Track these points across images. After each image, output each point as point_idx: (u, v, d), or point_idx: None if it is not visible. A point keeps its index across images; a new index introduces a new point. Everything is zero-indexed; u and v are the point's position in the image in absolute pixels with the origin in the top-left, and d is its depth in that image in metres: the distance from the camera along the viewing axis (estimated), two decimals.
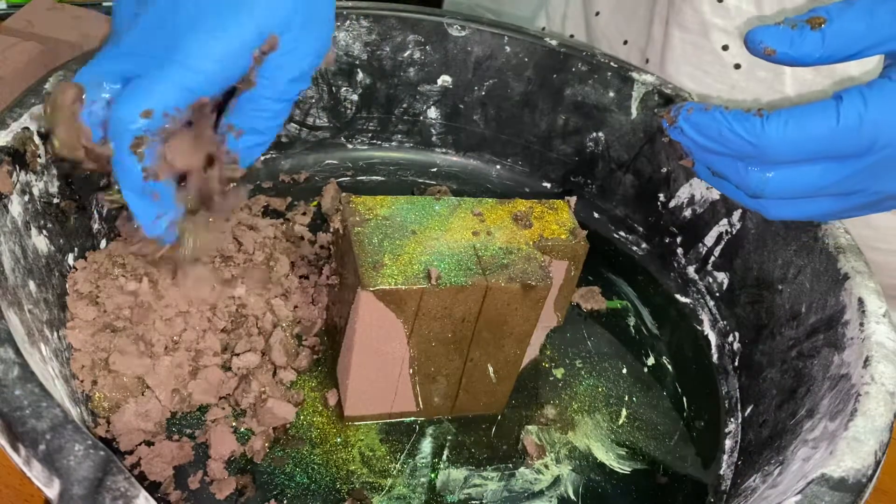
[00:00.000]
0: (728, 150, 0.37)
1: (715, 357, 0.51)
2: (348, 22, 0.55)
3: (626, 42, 0.64)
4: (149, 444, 0.39)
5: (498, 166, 0.61)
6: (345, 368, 0.42)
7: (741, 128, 0.36)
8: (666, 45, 0.59)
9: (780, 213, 0.39)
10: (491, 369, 0.42)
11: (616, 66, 0.55)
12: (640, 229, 0.58)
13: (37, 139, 0.41)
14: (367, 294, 0.37)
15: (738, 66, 0.56)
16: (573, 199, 0.45)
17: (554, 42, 0.56)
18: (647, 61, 0.62)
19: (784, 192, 0.38)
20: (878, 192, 0.37)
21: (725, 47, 0.56)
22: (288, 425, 0.42)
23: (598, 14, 0.66)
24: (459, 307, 0.39)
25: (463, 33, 0.56)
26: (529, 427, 0.45)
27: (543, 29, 0.73)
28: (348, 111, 0.58)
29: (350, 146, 0.60)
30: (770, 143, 0.35)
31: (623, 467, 0.44)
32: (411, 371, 0.41)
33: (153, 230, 0.37)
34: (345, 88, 0.57)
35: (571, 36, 0.71)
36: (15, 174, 0.39)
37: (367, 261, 0.38)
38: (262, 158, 0.57)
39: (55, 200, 0.42)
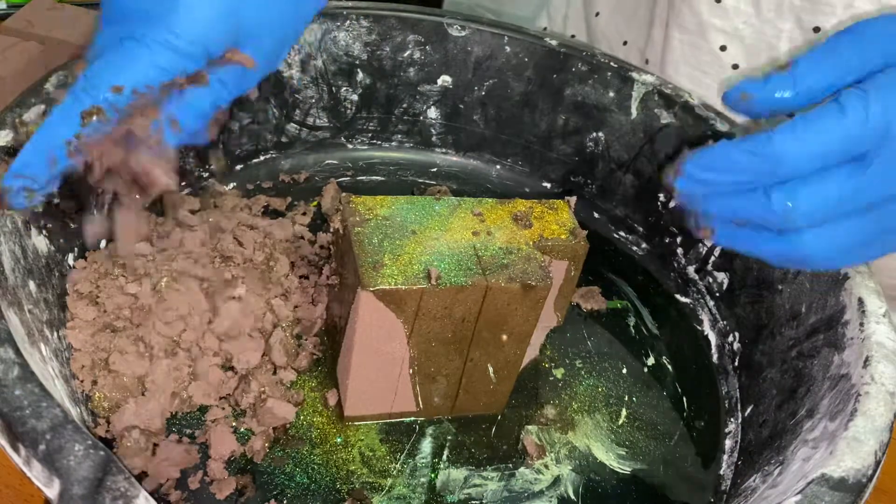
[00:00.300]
0: (742, 176, 0.35)
1: (715, 357, 0.51)
2: (348, 22, 0.55)
3: (625, 43, 0.64)
4: (154, 446, 0.39)
5: (498, 166, 0.61)
6: (345, 368, 0.42)
7: (749, 145, 0.35)
8: (666, 46, 0.59)
9: (818, 249, 0.36)
10: (491, 369, 0.42)
11: (616, 66, 0.55)
12: (640, 229, 0.58)
13: None
14: (367, 294, 0.37)
15: (735, 67, 0.56)
16: (573, 199, 0.45)
17: (554, 42, 0.56)
18: (647, 62, 0.62)
19: (814, 212, 0.35)
20: None
21: (723, 48, 0.56)
22: (288, 425, 0.42)
23: (598, 15, 0.67)
24: (459, 307, 0.39)
25: (463, 33, 0.56)
26: (529, 427, 0.45)
27: (545, 29, 0.73)
28: (348, 111, 0.58)
29: (350, 146, 0.60)
30: (783, 152, 0.34)
31: (623, 467, 0.44)
32: (411, 371, 0.41)
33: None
34: (345, 88, 0.57)
35: (572, 36, 0.71)
36: None
37: (366, 261, 0.38)
38: (263, 159, 0.57)
39: (55, 200, 0.42)
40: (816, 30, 0.52)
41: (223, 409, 0.41)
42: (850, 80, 0.35)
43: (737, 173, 0.35)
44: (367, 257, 0.38)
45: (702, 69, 0.57)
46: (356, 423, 0.43)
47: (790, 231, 0.36)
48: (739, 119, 0.52)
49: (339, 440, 0.42)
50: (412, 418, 0.44)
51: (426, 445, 0.43)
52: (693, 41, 0.57)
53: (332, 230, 0.51)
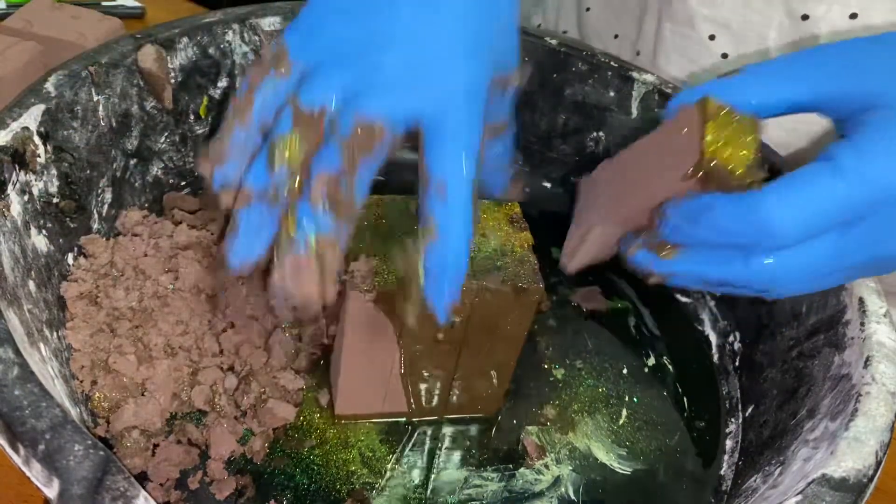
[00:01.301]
0: (727, 237, 0.33)
1: (715, 357, 0.51)
2: None
3: (616, 36, 0.64)
4: (154, 447, 0.39)
5: None
6: (336, 368, 0.42)
7: (737, 208, 0.32)
8: (658, 38, 0.59)
9: (789, 294, 0.35)
10: (483, 372, 0.42)
11: (616, 65, 0.55)
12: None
13: (36, 139, 0.41)
14: (357, 294, 0.37)
15: (725, 56, 0.56)
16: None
17: (554, 42, 0.56)
18: (638, 54, 0.62)
19: (794, 279, 0.33)
20: (892, 254, 0.34)
21: (712, 37, 0.56)
22: (288, 426, 0.42)
23: (588, 10, 0.67)
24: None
25: None
26: (529, 427, 0.44)
27: (539, 26, 0.73)
28: None
29: None
30: (771, 220, 0.31)
31: (623, 468, 0.44)
32: (402, 371, 0.41)
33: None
34: None
35: (565, 32, 0.71)
36: (14, 174, 0.39)
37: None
38: None
39: (55, 200, 0.42)
40: (805, 17, 0.52)
41: (223, 409, 0.41)
42: (808, 98, 0.34)
43: (719, 233, 0.33)
44: (357, 255, 0.38)
45: (691, 59, 0.57)
46: (356, 424, 0.43)
47: (768, 292, 0.35)
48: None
49: (339, 440, 0.42)
50: (407, 419, 0.44)
51: (426, 446, 0.43)
52: (683, 31, 0.57)
53: None
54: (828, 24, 0.51)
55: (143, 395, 0.40)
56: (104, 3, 0.76)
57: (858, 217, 0.32)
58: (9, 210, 0.38)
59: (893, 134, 0.32)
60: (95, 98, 0.45)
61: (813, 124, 0.54)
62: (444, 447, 0.43)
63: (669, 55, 0.58)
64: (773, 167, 0.49)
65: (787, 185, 0.32)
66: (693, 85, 0.37)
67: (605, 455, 0.44)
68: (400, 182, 0.59)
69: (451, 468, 0.42)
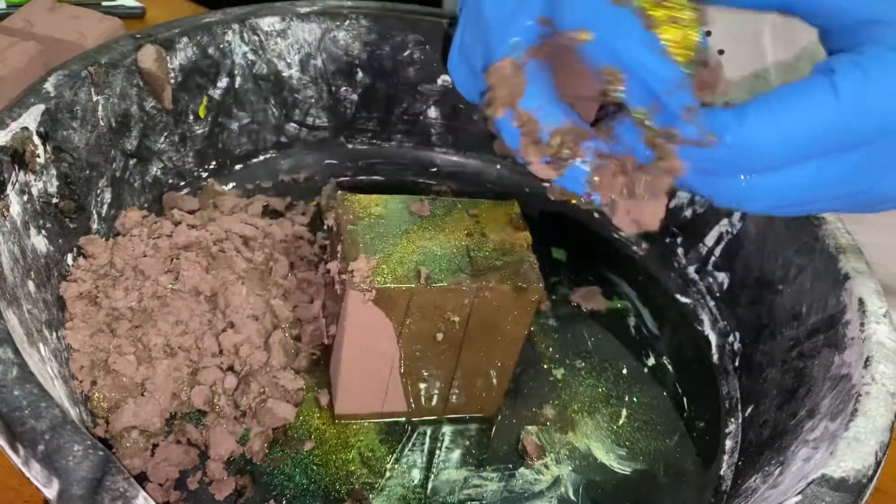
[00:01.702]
0: (697, 162, 0.29)
1: (715, 357, 0.51)
2: (348, 21, 0.55)
3: None
4: (154, 447, 0.39)
5: (498, 166, 0.61)
6: (335, 367, 0.42)
7: (710, 126, 0.28)
8: None
9: (765, 212, 0.32)
10: (483, 372, 0.42)
11: None
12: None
13: (36, 139, 0.41)
14: (356, 293, 0.37)
15: (721, 52, 0.56)
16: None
17: None
18: None
19: (771, 202, 0.30)
20: (884, 193, 0.30)
21: (708, 33, 0.56)
22: (287, 426, 0.42)
23: None
24: (450, 308, 0.39)
25: None
26: (529, 427, 0.44)
27: None
28: (348, 111, 0.58)
29: (350, 146, 0.60)
30: (753, 142, 0.27)
31: (623, 468, 0.44)
32: (402, 371, 0.41)
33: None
34: (344, 88, 0.57)
35: None
36: (14, 174, 0.39)
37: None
38: (262, 158, 0.57)
39: (54, 200, 0.42)
40: None
41: (222, 409, 0.41)
42: None
43: (689, 152, 0.29)
44: (357, 255, 0.38)
45: None
46: (356, 424, 0.43)
47: (736, 209, 0.32)
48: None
49: (338, 441, 0.42)
50: (408, 418, 0.44)
51: (426, 446, 0.43)
52: None
53: (325, 227, 0.51)
54: None
55: (142, 395, 0.40)
56: (104, 3, 0.76)
57: (850, 146, 0.28)
58: (8, 210, 0.38)
59: None
60: (95, 98, 0.45)
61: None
62: (443, 447, 0.43)
63: None
64: None
65: (772, 98, 0.28)
66: None
67: (605, 455, 0.44)
68: (400, 182, 0.59)
69: (450, 468, 0.42)
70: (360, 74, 0.57)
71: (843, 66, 0.28)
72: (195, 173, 0.54)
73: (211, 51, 0.51)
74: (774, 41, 0.54)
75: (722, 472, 0.45)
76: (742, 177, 0.29)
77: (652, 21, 0.29)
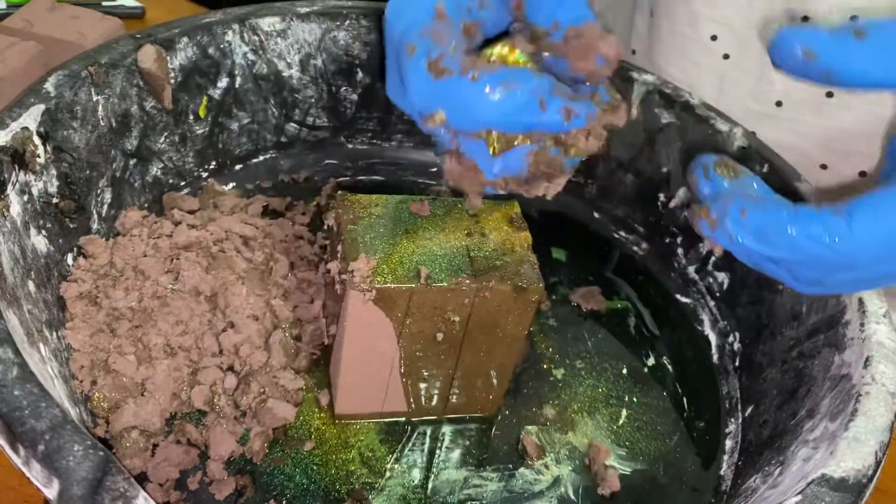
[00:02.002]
0: (800, 256, 0.30)
1: (715, 357, 0.51)
2: (348, 21, 0.55)
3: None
4: (154, 447, 0.39)
5: None
6: (335, 367, 0.42)
7: (822, 233, 0.29)
8: (654, 36, 0.59)
9: (825, 293, 0.34)
10: (483, 372, 0.42)
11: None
12: (641, 229, 0.57)
13: (36, 139, 0.41)
14: (356, 293, 0.37)
15: (727, 57, 0.56)
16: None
17: None
18: (634, 52, 0.62)
19: (848, 282, 0.32)
20: None
21: (714, 37, 0.56)
22: (287, 426, 0.42)
23: None
24: (450, 308, 0.39)
25: None
26: (529, 427, 0.44)
27: None
28: (348, 111, 0.58)
29: (350, 146, 0.60)
30: (860, 248, 0.28)
31: (623, 468, 0.44)
32: (402, 371, 0.41)
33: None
34: (344, 88, 0.57)
35: None
36: (14, 174, 0.39)
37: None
38: (262, 158, 0.57)
39: (54, 200, 0.42)
40: (805, 19, 0.51)
41: (222, 409, 0.41)
42: None
43: (794, 253, 0.30)
44: (357, 255, 0.38)
45: (692, 59, 0.57)
46: (356, 424, 0.43)
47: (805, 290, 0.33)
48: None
49: (338, 441, 0.42)
50: (408, 418, 0.44)
51: (426, 446, 0.43)
52: (683, 31, 0.57)
53: (325, 227, 0.51)
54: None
55: (142, 395, 0.40)
56: (104, 3, 0.76)
57: None
58: (8, 210, 0.38)
59: None
60: (95, 98, 0.45)
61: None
62: (443, 447, 0.43)
63: (669, 55, 0.58)
64: (765, 161, 0.49)
65: (876, 207, 0.29)
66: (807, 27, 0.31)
67: (609, 456, 0.44)
68: (400, 182, 0.59)
69: (450, 468, 0.42)
70: (360, 74, 0.57)
71: None
72: (195, 173, 0.54)
73: (211, 51, 0.51)
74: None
75: (722, 472, 0.45)
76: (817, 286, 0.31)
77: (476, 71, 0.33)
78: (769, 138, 0.55)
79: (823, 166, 0.56)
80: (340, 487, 0.40)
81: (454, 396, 0.43)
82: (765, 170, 0.49)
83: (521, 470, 0.42)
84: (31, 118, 0.41)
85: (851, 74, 0.29)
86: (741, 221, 0.31)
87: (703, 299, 0.54)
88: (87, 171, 0.45)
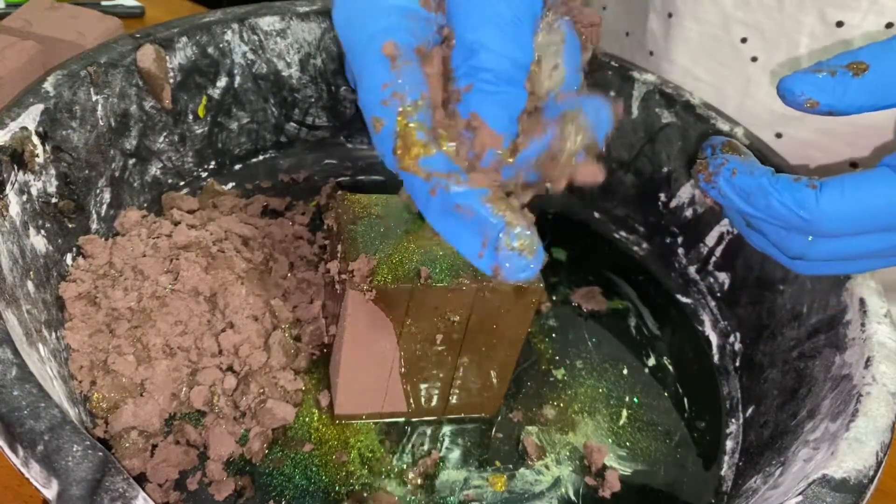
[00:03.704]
0: (774, 219, 0.35)
1: (716, 357, 0.51)
2: None
3: (627, 34, 0.64)
4: (153, 447, 0.39)
5: None
6: (335, 367, 0.42)
7: (792, 200, 0.34)
8: (676, 38, 0.59)
9: (812, 272, 0.37)
10: (483, 372, 0.42)
11: (616, 65, 0.55)
12: (641, 229, 0.57)
13: (35, 139, 0.41)
14: (356, 293, 0.37)
15: (755, 59, 0.56)
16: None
17: None
18: (651, 54, 0.62)
19: (828, 256, 0.36)
20: None
21: (744, 40, 0.55)
22: (287, 426, 0.42)
23: (604, 8, 0.66)
24: (450, 308, 0.38)
25: None
26: (529, 428, 0.44)
27: None
28: (348, 111, 0.58)
29: (350, 145, 0.60)
30: (824, 218, 0.33)
31: (623, 468, 0.44)
32: (402, 371, 0.41)
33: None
34: (344, 88, 0.57)
35: None
36: (13, 174, 0.39)
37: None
38: (262, 158, 0.57)
39: (53, 200, 0.42)
40: (839, 24, 0.51)
41: (222, 410, 0.41)
42: None
43: (769, 215, 0.35)
44: (357, 255, 0.38)
45: (720, 61, 0.57)
46: (355, 425, 0.43)
47: (799, 259, 0.36)
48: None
49: (338, 441, 0.42)
50: (408, 419, 0.44)
51: (426, 447, 0.43)
52: (713, 33, 0.56)
53: (325, 227, 0.51)
54: (862, 32, 0.51)
55: (141, 395, 0.40)
56: (103, 3, 0.76)
57: None
58: (7, 210, 0.38)
59: None
60: (94, 98, 0.45)
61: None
62: (443, 447, 0.43)
63: (695, 56, 0.58)
64: (765, 161, 0.49)
65: (843, 187, 0.33)
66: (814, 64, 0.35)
67: (605, 456, 0.44)
68: (400, 182, 0.59)
69: (451, 468, 0.42)
70: None
71: None
72: (194, 173, 0.54)
73: (210, 50, 0.51)
74: (812, 50, 0.54)
75: (722, 473, 0.45)
76: (809, 238, 0.35)
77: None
78: (797, 138, 0.55)
79: (853, 164, 0.56)
80: (340, 488, 0.40)
81: (454, 397, 0.43)
82: None
83: (522, 470, 0.42)
84: (30, 118, 0.41)
85: (854, 109, 0.33)
86: (730, 180, 0.36)
87: (703, 299, 0.54)
88: (86, 171, 0.45)
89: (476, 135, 0.31)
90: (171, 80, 0.50)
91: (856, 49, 0.34)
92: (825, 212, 0.33)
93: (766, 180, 0.35)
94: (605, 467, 0.43)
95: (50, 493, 0.28)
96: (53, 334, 0.40)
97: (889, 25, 0.50)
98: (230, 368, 0.43)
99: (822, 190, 0.33)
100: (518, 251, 0.29)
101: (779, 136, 0.56)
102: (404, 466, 0.41)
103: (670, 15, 0.58)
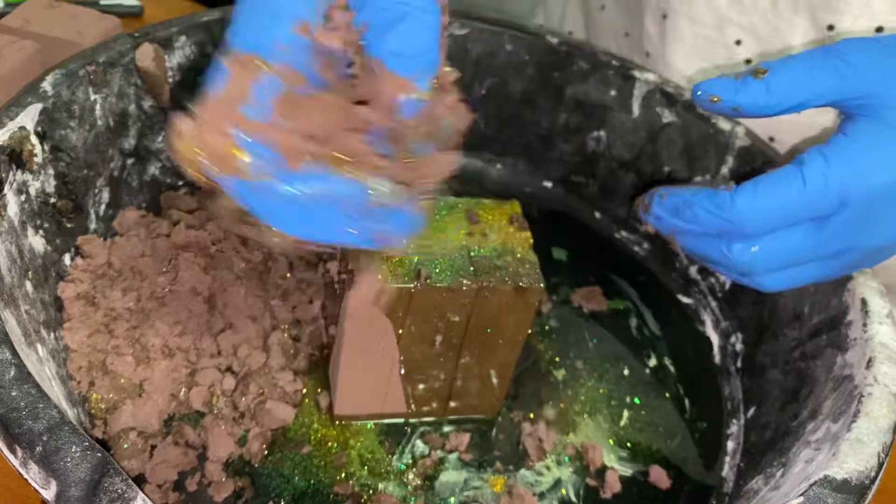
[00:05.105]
0: (707, 228, 0.38)
1: (717, 358, 0.51)
2: None
3: (627, 34, 0.64)
4: (152, 448, 0.39)
5: (498, 165, 0.61)
6: (335, 367, 0.41)
7: (712, 205, 0.37)
8: (670, 38, 0.58)
9: (775, 285, 0.39)
10: (483, 372, 0.42)
11: (617, 64, 0.55)
12: (642, 229, 0.57)
13: (33, 138, 0.41)
14: (357, 294, 0.37)
15: (748, 62, 0.56)
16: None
17: (555, 40, 0.56)
18: (648, 55, 0.62)
19: (771, 264, 0.38)
20: (864, 247, 0.37)
21: (738, 42, 0.55)
22: (286, 427, 0.41)
23: (603, 7, 0.66)
24: (450, 308, 0.38)
25: (463, 31, 0.56)
26: (530, 428, 0.44)
27: (541, 27, 0.73)
28: None
29: None
30: (743, 215, 0.36)
31: (624, 469, 0.43)
32: (402, 372, 0.41)
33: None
34: None
35: (570, 33, 0.70)
36: (11, 174, 0.39)
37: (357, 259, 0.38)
38: None
39: (52, 200, 0.42)
40: (830, 28, 0.51)
41: (221, 410, 0.41)
42: (823, 102, 0.36)
43: (701, 225, 0.38)
44: (356, 255, 0.38)
45: (714, 63, 0.57)
46: (355, 425, 0.43)
47: (748, 275, 0.39)
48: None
49: (337, 442, 0.42)
50: (408, 419, 0.43)
51: (426, 447, 0.42)
52: (707, 34, 0.56)
53: None
54: (853, 35, 0.51)
55: (140, 396, 0.40)
56: (102, 2, 0.76)
57: (825, 214, 0.36)
58: (6, 210, 0.38)
59: (862, 145, 0.36)
60: (93, 97, 0.45)
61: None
62: (443, 448, 0.43)
63: (688, 58, 0.58)
64: (767, 161, 0.49)
65: (757, 186, 0.36)
66: (706, 78, 0.38)
67: (606, 456, 0.44)
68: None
69: (451, 469, 0.42)
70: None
71: (811, 156, 0.36)
72: None
73: (209, 49, 0.51)
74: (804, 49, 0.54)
75: (724, 474, 0.44)
76: (751, 249, 0.37)
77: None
78: (788, 142, 0.54)
79: None
80: (340, 489, 0.40)
81: (454, 397, 0.43)
82: (767, 170, 0.49)
83: (522, 471, 0.42)
84: (28, 117, 0.40)
85: (757, 108, 0.36)
86: (661, 203, 0.39)
87: (704, 300, 0.54)
88: (85, 171, 0.45)
89: (380, 86, 0.29)
90: (170, 80, 0.49)
91: (766, 61, 0.37)
92: (742, 210, 0.36)
93: (689, 194, 0.38)
94: (605, 468, 0.43)
95: (48, 493, 0.28)
96: (52, 335, 0.40)
97: (879, 29, 0.50)
98: (229, 369, 0.42)
99: (737, 191, 0.36)
100: (390, 201, 0.29)
101: (771, 139, 0.56)
102: (404, 467, 0.41)
103: (665, 16, 0.58)
